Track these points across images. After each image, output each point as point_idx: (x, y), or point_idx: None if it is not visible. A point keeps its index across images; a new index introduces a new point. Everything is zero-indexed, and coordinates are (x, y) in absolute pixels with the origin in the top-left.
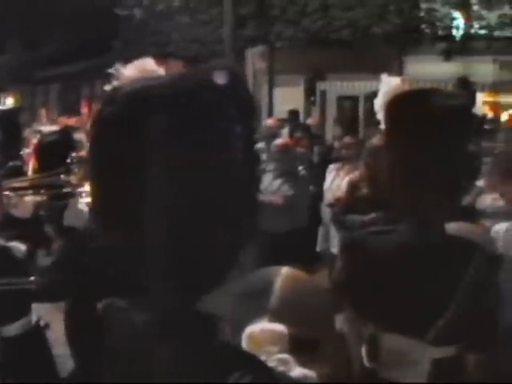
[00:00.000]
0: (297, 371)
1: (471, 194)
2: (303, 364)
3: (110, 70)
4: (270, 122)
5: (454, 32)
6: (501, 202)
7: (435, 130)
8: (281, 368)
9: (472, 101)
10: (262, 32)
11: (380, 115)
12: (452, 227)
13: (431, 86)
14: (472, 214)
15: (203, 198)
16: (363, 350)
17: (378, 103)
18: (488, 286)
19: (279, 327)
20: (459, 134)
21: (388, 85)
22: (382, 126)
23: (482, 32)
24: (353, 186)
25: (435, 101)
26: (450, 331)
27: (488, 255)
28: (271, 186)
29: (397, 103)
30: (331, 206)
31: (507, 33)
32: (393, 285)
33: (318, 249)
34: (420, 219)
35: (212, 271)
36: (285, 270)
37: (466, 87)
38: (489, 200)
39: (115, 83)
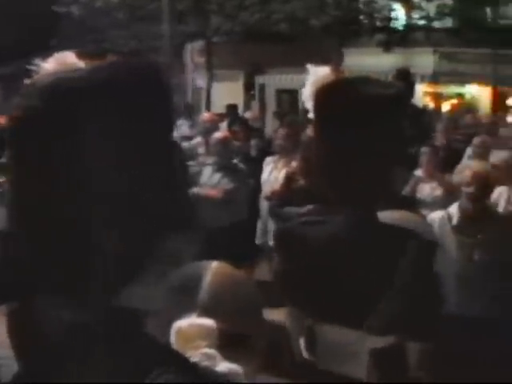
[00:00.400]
0: (222, 366)
1: (410, 183)
2: (232, 359)
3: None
4: (206, 116)
5: (393, 23)
6: (439, 191)
7: (364, 119)
8: (206, 363)
9: (410, 91)
10: (200, 27)
11: (308, 105)
12: (386, 215)
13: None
14: (411, 203)
15: (123, 190)
16: (301, 342)
17: (306, 93)
18: (424, 273)
19: (208, 322)
20: (389, 123)
21: (315, 74)
22: (311, 116)
23: (422, 23)
24: (289, 178)
25: (363, 89)
26: (388, 320)
27: (422, 242)
28: (211, 180)
29: (324, 92)
30: (269, 198)
31: (447, 23)
32: (328, 275)
33: (257, 242)
34: (352, 209)
35: (129, 263)
36: (214, 265)
37: (405, 78)
38: (427, 189)
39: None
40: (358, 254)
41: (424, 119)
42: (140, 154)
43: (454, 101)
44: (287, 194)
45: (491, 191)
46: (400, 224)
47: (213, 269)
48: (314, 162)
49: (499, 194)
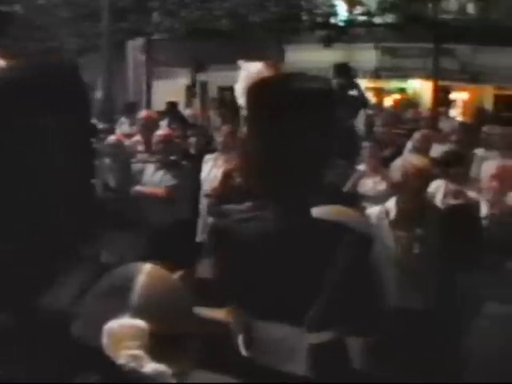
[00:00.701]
0: (149, 367)
1: (353, 177)
2: (163, 359)
3: None
4: (144, 114)
5: (334, 19)
6: (383, 185)
7: (295, 115)
8: (132, 364)
9: (350, 86)
10: (141, 24)
11: (241, 101)
12: (321, 211)
13: (311, 73)
14: (350, 198)
15: (41, 192)
16: (240, 339)
17: (238, 89)
18: (359, 268)
19: (138, 323)
20: (321, 118)
21: (247, 70)
22: (244, 112)
23: (363, 18)
24: (227, 176)
25: (294, 85)
26: (325, 316)
27: (357, 237)
28: (153, 178)
29: (256, 88)
30: (208, 196)
31: (388, 19)
32: (264, 272)
33: (197, 240)
34: (284, 205)
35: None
36: (147, 267)
37: (345, 73)
38: (371, 183)
39: None
40: (292, 250)
41: (367, 114)
42: (57, 151)
43: (397, 96)
44: (225, 191)
45: (428, 185)
46: (334, 219)
47: (145, 270)
48: (246, 158)
49: (436, 188)
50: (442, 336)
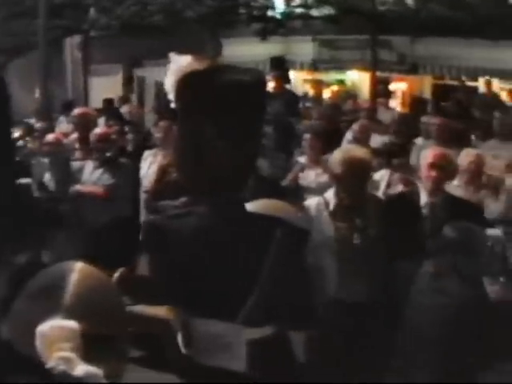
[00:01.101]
0: (80, 369)
1: (293, 170)
2: (96, 360)
3: None
4: (79, 111)
5: (271, 12)
6: (324, 177)
7: (224, 107)
8: (63, 367)
9: (286, 79)
10: (78, 21)
11: (171, 95)
12: (256, 205)
13: (248, 66)
14: (295, 191)
15: None
16: (179, 337)
17: (168, 83)
18: (294, 261)
19: (70, 324)
20: (251, 110)
21: (177, 63)
22: (174, 106)
23: (300, 11)
24: (162, 171)
25: (222, 77)
26: (262, 310)
27: (291, 230)
28: (91, 177)
29: (185, 81)
30: (146, 192)
31: (324, 11)
32: (198, 268)
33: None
34: (218, 199)
35: None
36: (79, 266)
37: (281, 66)
38: (312, 175)
39: None
40: (227, 245)
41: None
42: None
43: (335, 87)
44: (161, 187)
45: (367, 176)
46: (269, 213)
47: (77, 269)
48: (178, 153)
49: (380, 177)
50: (384, 327)
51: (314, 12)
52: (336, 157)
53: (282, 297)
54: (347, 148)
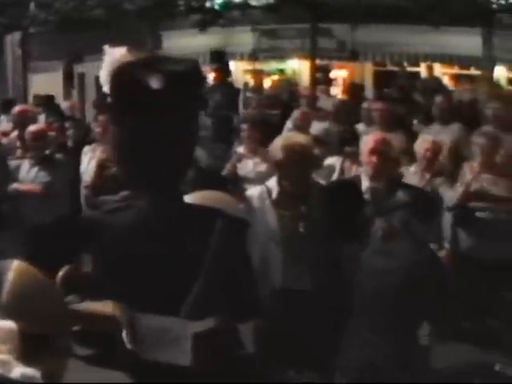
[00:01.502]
0: (16, 371)
1: (231, 160)
2: (35, 361)
3: None
4: (18, 109)
5: (209, 3)
6: (263, 166)
7: (159, 98)
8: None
9: (226, 72)
10: (18, 18)
11: (105, 88)
12: (195, 197)
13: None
14: (233, 180)
15: None
16: (124, 333)
17: (103, 75)
18: (234, 252)
19: (7, 324)
20: (186, 100)
21: (111, 55)
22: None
23: (239, 1)
24: (101, 166)
25: (158, 67)
26: (204, 302)
27: (230, 221)
28: (29, 175)
29: (119, 73)
30: (86, 188)
31: (263, 0)
32: (139, 263)
33: None
34: (155, 192)
35: None
36: (15, 264)
37: (220, 57)
38: (251, 165)
39: None
40: (166, 238)
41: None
42: None
43: (276, 77)
44: (101, 182)
45: (309, 162)
46: (208, 204)
47: (13, 268)
48: (115, 146)
49: (333, 163)
50: (331, 315)
51: (253, 1)
52: (277, 144)
53: (225, 288)
54: (288, 135)
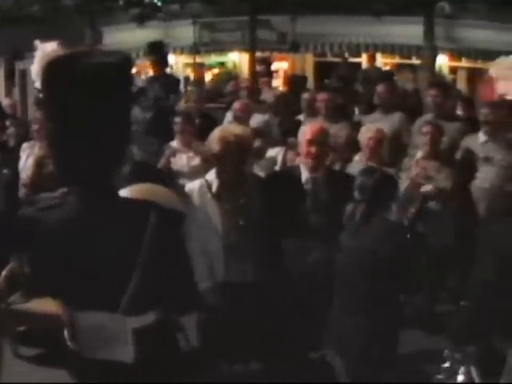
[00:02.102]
0: None
1: (165, 154)
2: None
3: None
4: None
5: None
6: (197, 160)
7: (89, 91)
8: None
9: (164, 63)
10: None
11: (38, 84)
12: (130, 191)
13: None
14: (168, 175)
15: None
16: (65, 331)
17: (34, 71)
18: (170, 245)
19: None
20: (116, 93)
21: (42, 50)
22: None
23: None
24: (38, 163)
25: (87, 61)
26: (142, 297)
27: (164, 213)
28: None
29: (48, 68)
30: (24, 185)
31: None
32: (75, 259)
33: None
34: (88, 187)
35: None
36: None
37: (158, 50)
38: (184, 159)
39: None
40: (100, 233)
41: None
42: None
43: (216, 70)
44: (39, 179)
45: (247, 153)
46: (143, 197)
47: None
48: (48, 142)
49: (276, 154)
50: (273, 307)
51: None
52: (213, 136)
53: (162, 282)
54: (224, 126)
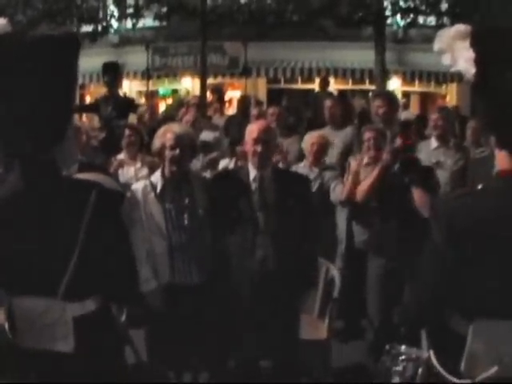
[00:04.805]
0: None
1: (112, 167)
2: None
3: None
4: None
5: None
6: (145, 171)
7: (28, 64)
8: None
9: (117, 84)
10: None
11: None
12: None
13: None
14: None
15: None
16: (6, 324)
17: None
18: (109, 225)
19: None
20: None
21: None
22: None
23: (134, 22)
24: None
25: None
26: (80, 281)
27: (105, 192)
28: None
29: None
30: None
31: (155, 22)
32: (13, 240)
33: None
34: (25, 165)
35: None
36: None
37: (113, 71)
38: (132, 171)
39: None
40: (38, 211)
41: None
42: None
43: (170, 100)
44: None
45: (189, 150)
46: (84, 178)
47: None
48: None
49: (227, 163)
50: (219, 307)
51: (148, 22)
52: (159, 133)
53: (101, 265)
54: (167, 125)
